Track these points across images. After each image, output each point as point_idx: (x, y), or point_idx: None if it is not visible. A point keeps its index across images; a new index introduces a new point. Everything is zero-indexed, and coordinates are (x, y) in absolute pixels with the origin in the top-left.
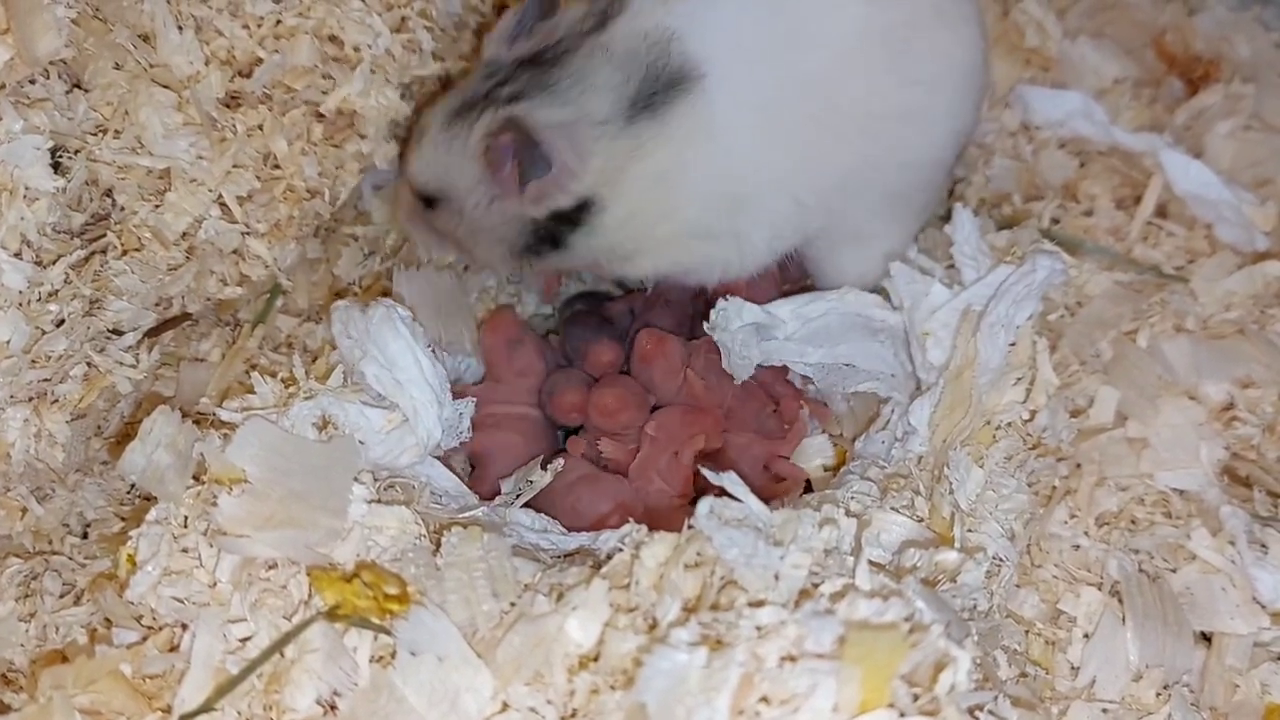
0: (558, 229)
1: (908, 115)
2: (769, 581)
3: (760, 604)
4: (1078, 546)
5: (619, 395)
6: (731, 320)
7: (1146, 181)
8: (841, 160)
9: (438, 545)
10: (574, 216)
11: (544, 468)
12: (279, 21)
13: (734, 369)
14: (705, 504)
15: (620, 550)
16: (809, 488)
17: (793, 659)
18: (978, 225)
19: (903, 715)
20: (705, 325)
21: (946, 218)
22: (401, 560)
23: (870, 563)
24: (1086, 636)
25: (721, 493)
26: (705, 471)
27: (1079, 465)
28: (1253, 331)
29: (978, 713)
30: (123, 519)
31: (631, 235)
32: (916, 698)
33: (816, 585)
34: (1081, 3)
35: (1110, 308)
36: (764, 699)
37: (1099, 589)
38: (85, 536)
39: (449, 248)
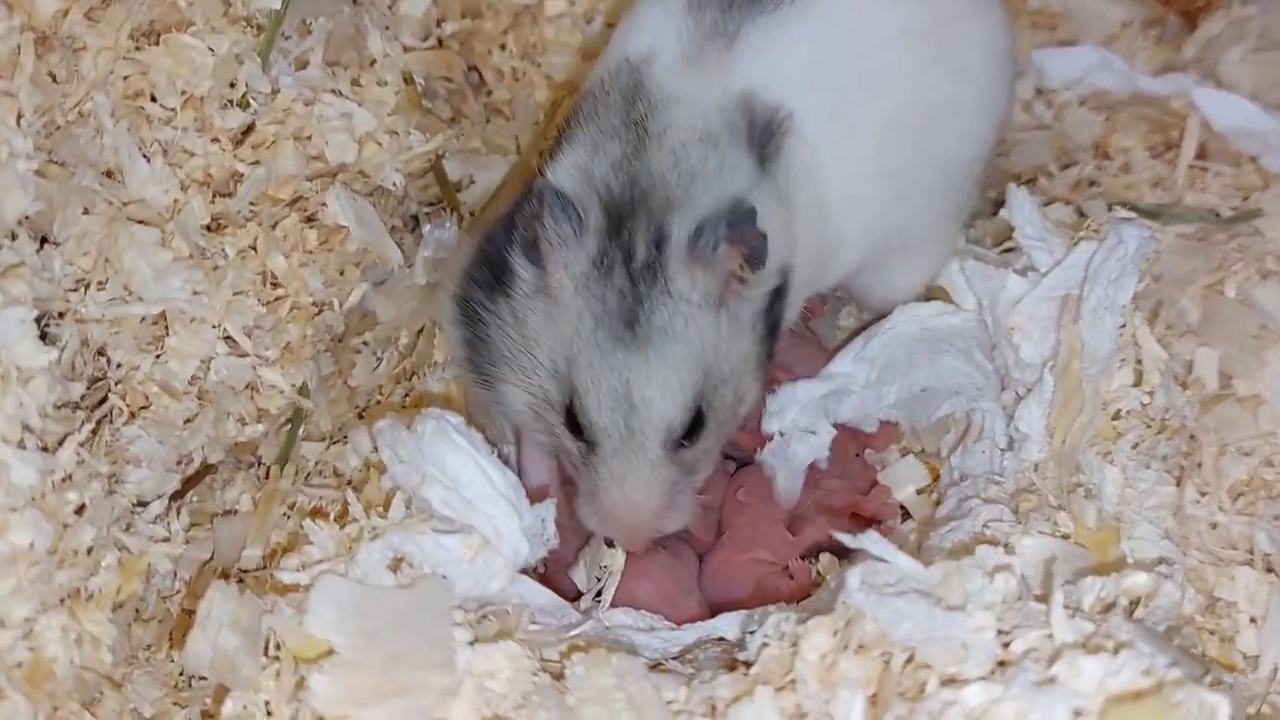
0: (774, 308)
1: (955, 107)
2: (956, 654)
3: (956, 682)
4: (1215, 525)
5: None
6: (787, 411)
7: (1177, 125)
8: (903, 160)
9: (558, 677)
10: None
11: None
12: (253, 130)
13: (790, 480)
14: (855, 575)
15: (768, 645)
16: (906, 515)
17: None
18: (1038, 204)
19: None
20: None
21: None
22: (527, 705)
23: (1065, 607)
24: (1254, 621)
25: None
26: (840, 535)
27: (1193, 437)
28: None
29: None
30: (181, 706)
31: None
32: None
33: (1008, 644)
34: None
35: (1181, 263)
36: None
37: (1252, 566)
38: None
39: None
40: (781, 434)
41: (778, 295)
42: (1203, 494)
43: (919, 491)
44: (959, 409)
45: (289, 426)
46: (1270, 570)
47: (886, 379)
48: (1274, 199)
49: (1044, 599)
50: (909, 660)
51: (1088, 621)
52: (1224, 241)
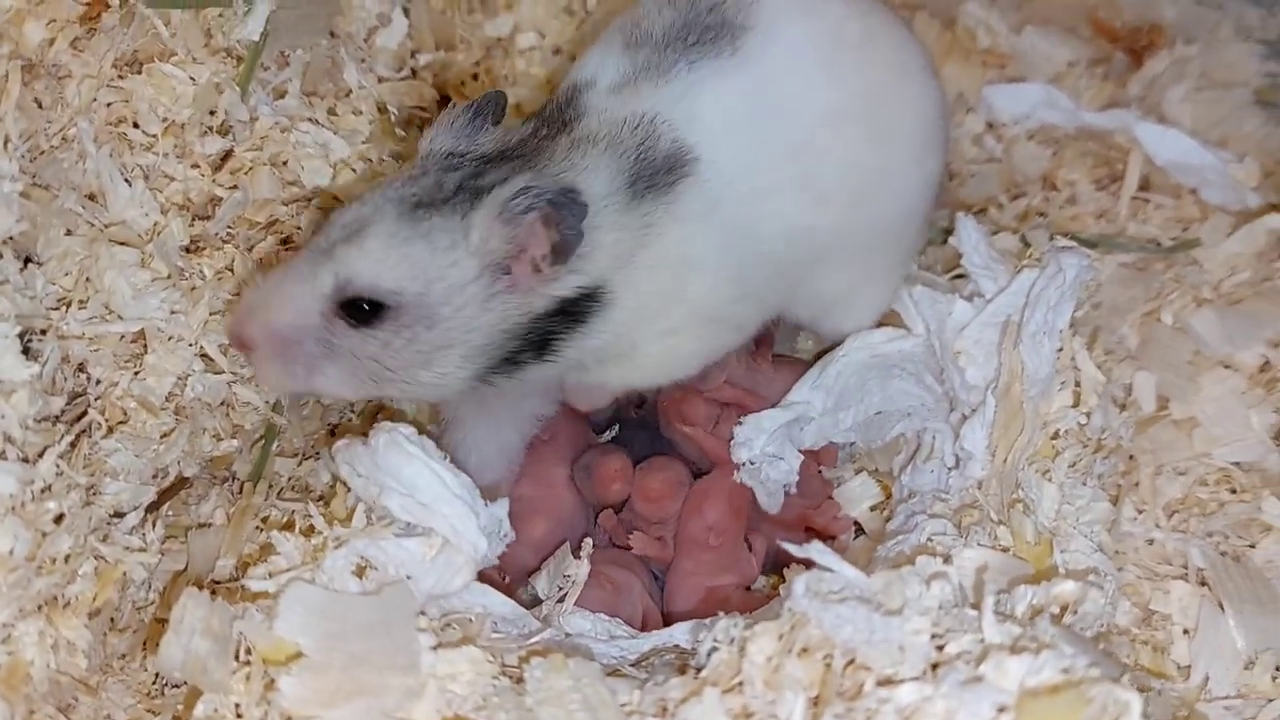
0: (553, 328)
1: (883, 173)
2: (894, 655)
3: (892, 682)
4: (1152, 541)
5: (665, 480)
6: (754, 441)
7: (1121, 159)
8: (826, 223)
9: (518, 681)
10: (577, 312)
11: (576, 554)
12: (231, 156)
13: (770, 498)
14: (800, 583)
15: (717, 649)
16: (860, 531)
17: None
18: (985, 233)
19: None
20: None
21: (945, 235)
22: (487, 707)
23: (996, 613)
24: (1187, 633)
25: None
26: (787, 545)
27: (1132, 457)
28: (1268, 290)
29: None
30: (154, 714)
31: (637, 327)
32: None
33: (941, 647)
34: None
35: (1121, 292)
36: None
37: (1185, 580)
38: None
39: (358, 380)
40: (752, 462)
41: (568, 316)
42: (1140, 511)
43: (872, 508)
44: (911, 429)
45: (262, 443)
46: (1203, 584)
47: (843, 405)
48: (1211, 230)
49: (979, 605)
50: (850, 662)
51: (1016, 625)
52: (1162, 271)
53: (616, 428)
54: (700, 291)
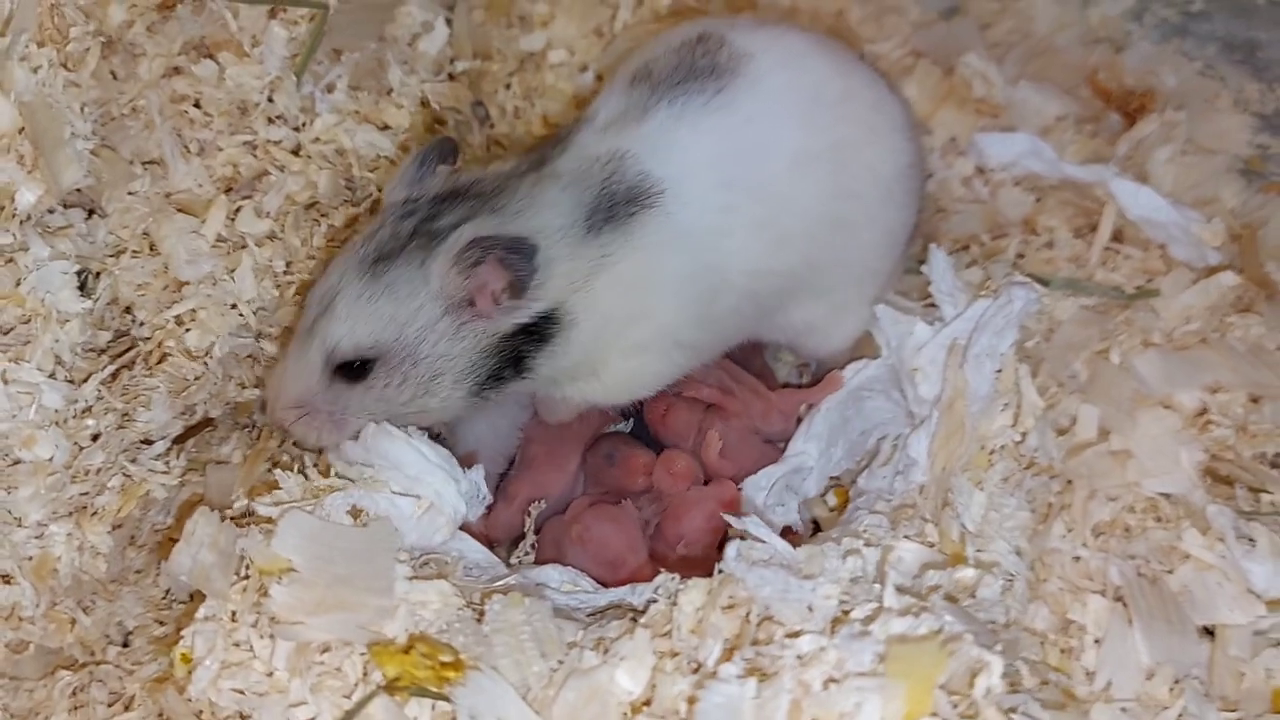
0: (523, 347)
1: (842, 223)
2: (803, 614)
3: (798, 634)
4: (1078, 558)
5: (690, 464)
6: (755, 496)
7: (1099, 210)
8: (786, 261)
9: (480, 615)
10: (541, 331)
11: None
12: (281, 140)
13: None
14: (733, 548)
15: (655, 601)
16: (817, 529)
17: (835, 681)
18: (952, 264)
19: None
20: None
21: (920, 264)
22: (449, 631)
23: (895, 586)
24: (1097, 642)
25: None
26: (728, 517)
27: (1069, 481)
28: (1215, 340)
29: (1012, 715)
30: (161, 624)
31: (603, 345)
32: (955, 705)
33: (847, 612)
34: (1015, 51)
35: (1079, 331)
36: None
37: (1103, 595)
38: (126, 645)
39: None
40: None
41: (533, 336)
42: (1070, 530)
43: (831, 510)
44: (883, 434)
45: None
46: (1119, 600)
47: (833, 441)
48: (1172, 282)
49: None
50: (767, 618)
51: (914, 598)
52: (1117, 314)
53: (631, 421)
54: (665, 314)
